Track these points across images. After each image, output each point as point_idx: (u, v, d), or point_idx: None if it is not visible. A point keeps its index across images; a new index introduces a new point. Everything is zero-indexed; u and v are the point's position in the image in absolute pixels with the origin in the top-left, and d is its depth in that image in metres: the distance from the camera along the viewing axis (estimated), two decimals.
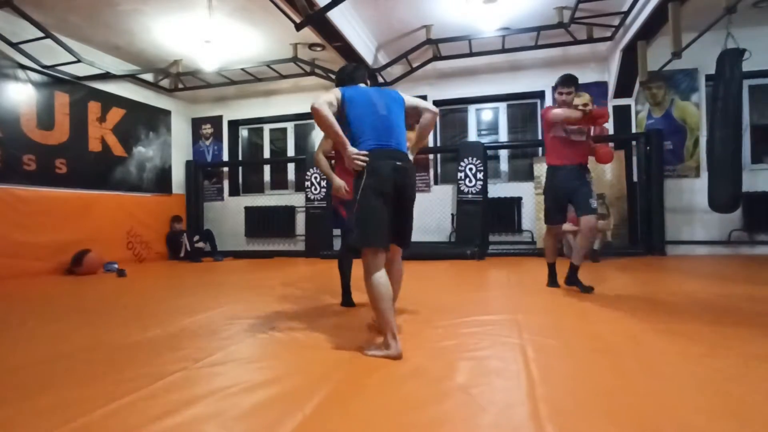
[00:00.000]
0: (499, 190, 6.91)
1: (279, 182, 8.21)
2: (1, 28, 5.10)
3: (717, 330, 2.21)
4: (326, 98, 2.04)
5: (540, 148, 6.91)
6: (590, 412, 1.33)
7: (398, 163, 2.04)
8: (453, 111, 7.57)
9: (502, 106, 7.27)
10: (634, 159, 6.30)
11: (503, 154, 7.20)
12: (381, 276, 1.97)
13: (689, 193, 6.19)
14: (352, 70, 2.40)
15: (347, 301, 3.07)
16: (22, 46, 5.28)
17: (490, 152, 6.88)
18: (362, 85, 2.33)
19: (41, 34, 5.20)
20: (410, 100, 2.27)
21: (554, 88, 3.42)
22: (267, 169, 8.32)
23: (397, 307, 2.96)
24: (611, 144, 6.47)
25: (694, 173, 6.20)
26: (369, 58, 6.30)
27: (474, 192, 6.56)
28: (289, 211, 7.80)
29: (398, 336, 1.91)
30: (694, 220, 6.15)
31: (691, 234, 6.15)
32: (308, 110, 5.47)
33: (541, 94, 6.94)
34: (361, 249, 2.03)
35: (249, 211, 7.94)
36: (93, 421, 1.32)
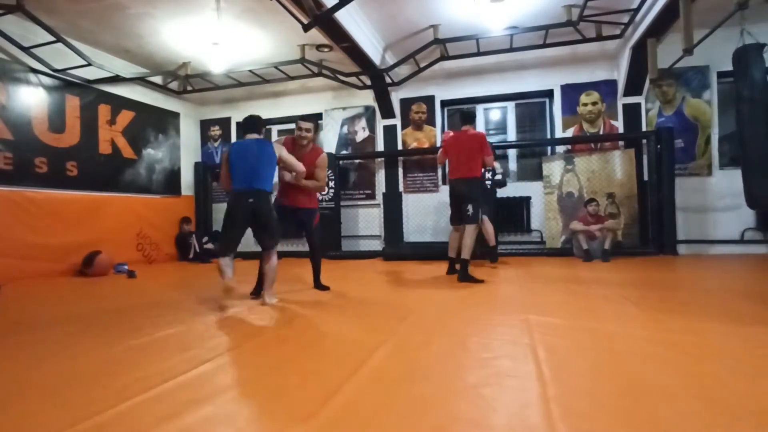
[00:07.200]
0: (507, 189, 6.86)
1: None
2: (12, 32, 5.17)
3: (733, 329, 2.17)
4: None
5: (549, 148, 6.87)
6: (603, 412, 1.30)
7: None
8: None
9: (511, 106, 7.23)
10: (645, 157, 6.23)
11: (512, 153, 7.16)
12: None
13: (701, 192, 6.11)
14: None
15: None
16: (33, 50, 5.36)
17: (498, 152, 6.84)
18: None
19: (52, 38, 5.27)
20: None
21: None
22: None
23: (406, 307, 2.96)
24: (621, 142, 6.43)
25: (706, 171, 6.12)
26: (376, 59, 6.30)
27: None
28: None
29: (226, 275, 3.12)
30: (706, 218, 6.07)
31: (704, 233, 6.07)
32: (316, 111, 5.66)
33: (549, 93, 6.89)
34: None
35: None
36: (104, 421, 1.32)
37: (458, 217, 4.46)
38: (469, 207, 4.25)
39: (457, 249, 4.43)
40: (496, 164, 5.45)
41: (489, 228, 5.36)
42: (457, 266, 4.28)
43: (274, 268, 3.23)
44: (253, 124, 3.35)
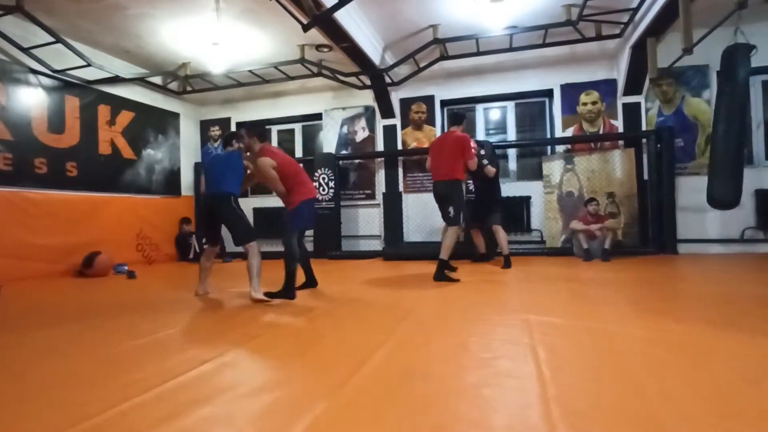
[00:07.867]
0: (507, 189, 6.86)
1: None
2: (12, 33, 5.17)
3: (732, 331, 2.17)
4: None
5: (549, 147, 6.87)
6: (603, 413, 1.30)
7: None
8: (461, 110, 7.55)
9: (510, 105, 7.22)
10: (645, 157, 6.22)
11: (512, 153, 7.16)
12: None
13: (701, 191, 6.04)
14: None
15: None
16: (33, 50, 5.36)
17: (498, 151, 6.84)
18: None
19: (52, 39, 5.27)
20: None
21: None
22: None
23: (406, 307, 2.96)
24: (621, 142, 6.43)
25: (706, 170, 6.09)
26: (376, 59, 6.29)
27: None
28: None
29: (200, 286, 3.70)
30: (706, 218, 6.06)
31: (704, 232, 6.07)
32: (316, 111, 5.77)
33: (549, 93, 6.89)
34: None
35: (257, 212, 7.97)
36: (104, 421, 1.33)
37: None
38: (450, 209, 4.22)
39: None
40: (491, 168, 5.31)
41: (502, 238, 5.14)
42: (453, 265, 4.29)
43: (255, 264, 3.36)
44: (225, 140, 3.84)
